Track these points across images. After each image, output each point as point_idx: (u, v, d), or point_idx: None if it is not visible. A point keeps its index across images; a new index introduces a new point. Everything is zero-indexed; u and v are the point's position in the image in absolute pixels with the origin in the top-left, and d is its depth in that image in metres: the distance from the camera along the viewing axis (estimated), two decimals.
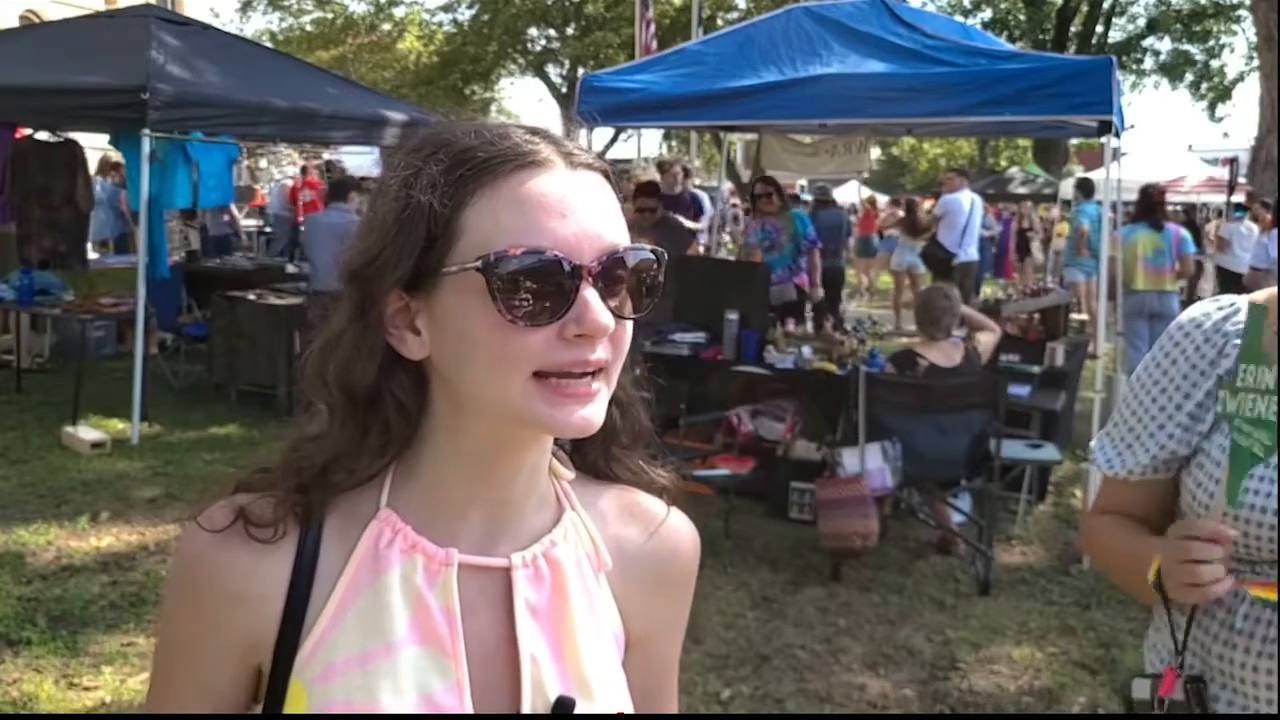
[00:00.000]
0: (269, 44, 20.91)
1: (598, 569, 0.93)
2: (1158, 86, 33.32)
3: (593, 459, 0.96)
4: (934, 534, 5.09)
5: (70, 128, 8.02)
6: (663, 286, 0.84)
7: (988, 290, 13.09)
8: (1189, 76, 26.34)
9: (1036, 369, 6.14)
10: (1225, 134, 33.32)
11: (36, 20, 20.42)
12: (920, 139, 22.03)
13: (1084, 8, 24.36)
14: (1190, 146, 25.40)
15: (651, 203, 7.54)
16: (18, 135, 7.87)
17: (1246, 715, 1.33)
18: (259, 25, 33.99)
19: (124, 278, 7.87)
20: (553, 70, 25.64)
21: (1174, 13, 25.07)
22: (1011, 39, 22.13)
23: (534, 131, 0.83)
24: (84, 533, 4.86)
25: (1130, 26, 26.32)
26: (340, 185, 8.02)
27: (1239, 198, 12.33)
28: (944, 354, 5.00)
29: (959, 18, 20.15)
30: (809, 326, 6.64)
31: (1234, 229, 11.25)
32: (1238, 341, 1.39)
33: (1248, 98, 33.68)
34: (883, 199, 20.28)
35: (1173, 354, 1.44)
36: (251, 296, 7.64)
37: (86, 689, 3.49)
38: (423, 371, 0.85)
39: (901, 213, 13.98)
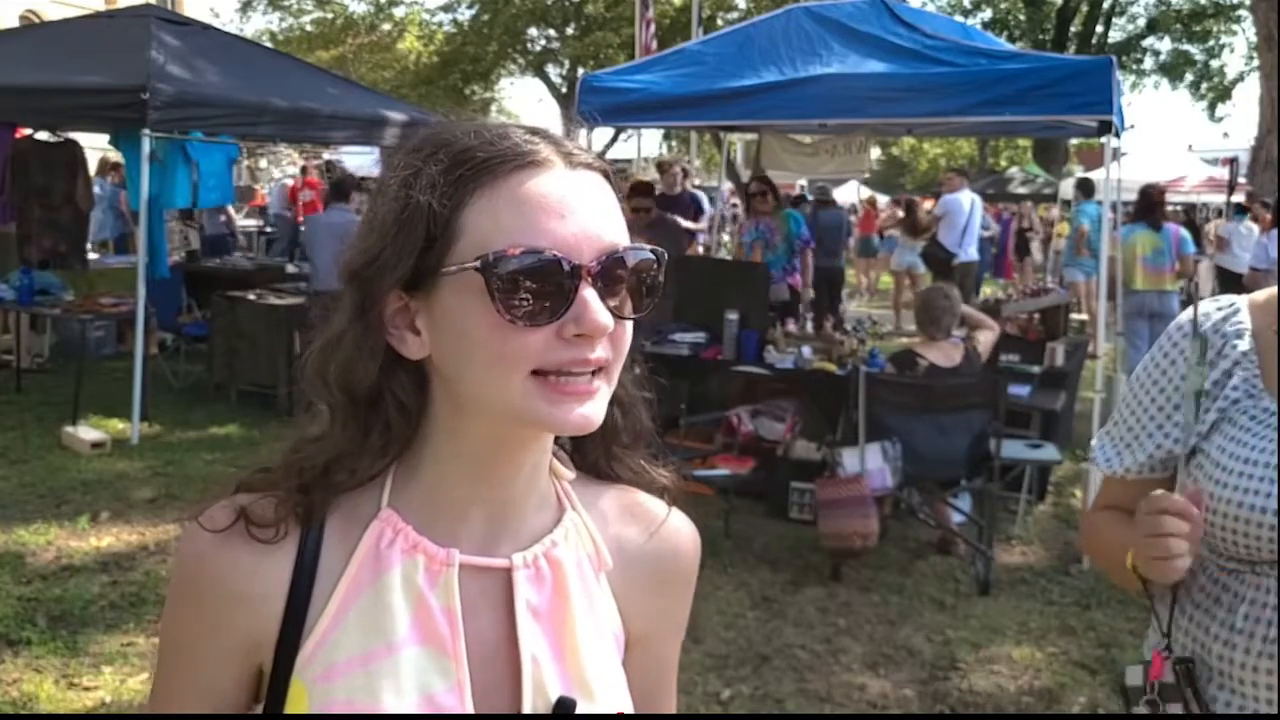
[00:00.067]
0: (269, 44, 20.91)
1: (598, 569, 0.93)
2: (1158, 86, 33.37)
3: (594, 459, 0.96)
4: (934, 534, 5.09)
5: (70, 128, 8.02)
6: (663, 286, 0.84)
7: (988, 290, 13.10)
8: (1189, 76, 26.34)
9: (1036, 369, 6.14)
10: (1225, 134, 33.35)
11: (36, 20, 20.42)
12: (920, 139, 22.03)
13: (1084, 8, 24.36)
14: (1190, 146, 25.40)
15: (646, 203, 7.55)
16: (18, 135, 7.87)
17: (1246, 715, 1.33)
18: (259, 25, 34.00)
19: (124, 278, 7.88)
20: (553, 70, 25.64)
21: (1174, 13, 25.07)
22: (1011, 39, 22.13)
23: (534, 131, 0.83)
24: (84, 533, 4.86)
25: (1130, 26, 26.35)
26: (341, 185, 8.02)
27: (1239, 198, 12.33)
28: (944, 354, 5.00)
29: (959, 18, 20.16)
30: (809, 326, 6.63)
31: (1233, 229, 11.25)
32: (1237, 341, 1.39)
33: (1248, 98, 33.72)
34: (883, 199, 20.29)
35: (1172, 354, 1.44)
36: (251, 296, 7.65)
37: (86, 689, 3.49)
38: (423, 371, 0.85)
39: (901, 213, 13.98)
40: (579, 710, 0.87)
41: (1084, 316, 10.97)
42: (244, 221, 15.22)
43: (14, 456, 6.01)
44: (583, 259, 0.78)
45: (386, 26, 26.89)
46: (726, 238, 12.49)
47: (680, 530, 0.98)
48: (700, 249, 9.59)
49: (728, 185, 12.49)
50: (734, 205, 14.29)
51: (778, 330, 6.18)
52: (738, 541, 5.03)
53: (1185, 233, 8.62)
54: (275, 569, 0.85)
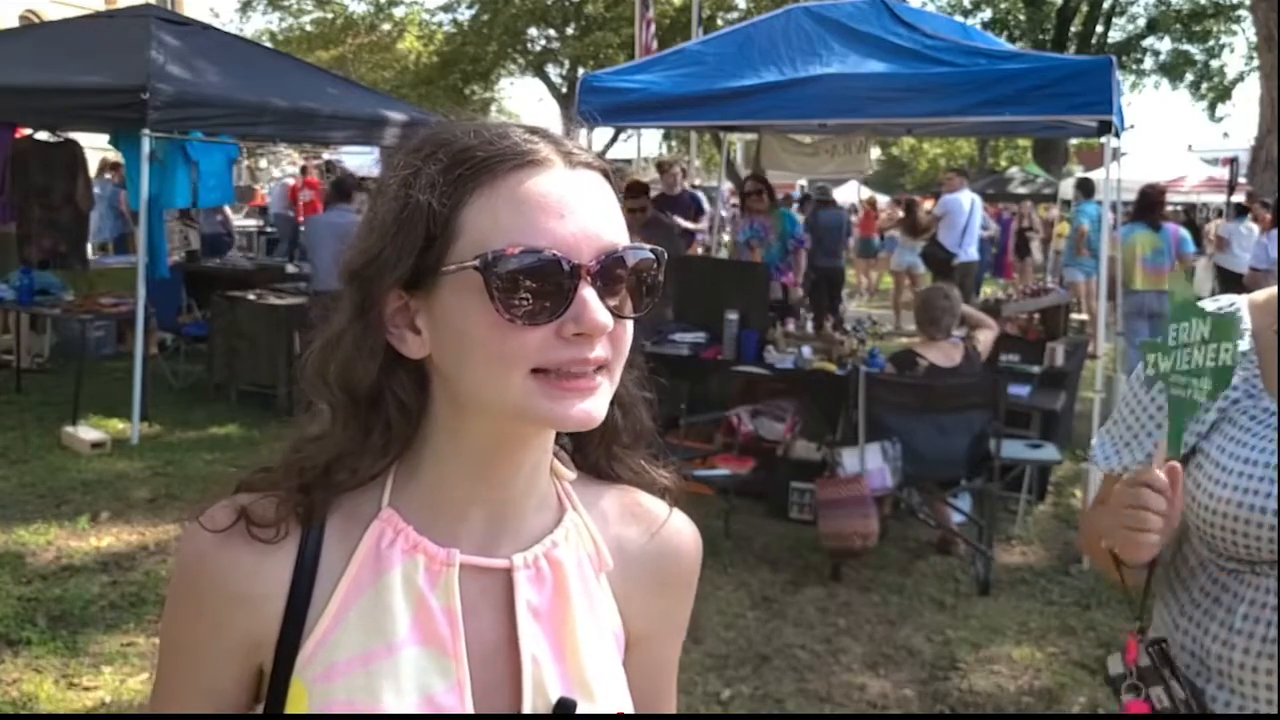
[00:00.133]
0: (269, 44, 20.91)
1: (599, 569, 0.93)
2: (1158, 86, 33.35)
3: (594, 459, 0.96)
4: (934, 534, 5.09)
5: (70, 128, 8.02)
6: (663, 286, 0.84)
7: (988, 290, 13.10)
8: (1189, 76, 26.34)
9: (1036, 369, 6.14)
10: (1225, 134, 33.37)
11: (36, 20, 20.42)
12: (920, 139, 22.03)
13: (1084, 8, 24.36)
14: (1190, 146, 25.40)
15: (641, 203, 7.56)
16: (18, 135, 7.87)
17: (1246, 715, 1.33)
18: (259, 25, 34.00)
19: (124, 278, 7.88)
20: (553, 70, 25.64)
21: (1174, 13, 25.06)
22: (1011, 39, 22.12)
23: (533, 131, 0.83)
24: (84, 533, 4.86)
25: (1130, 26, 26.34)
26: (343, 185, 8.02)
27: (1239, 198, 12.33)
28: (944, 354, 5.00)
29: (959, 18, 20.14)
30: (809, 326, 6.64)
31: (1233, 228, 11.25)
32: (1237, 341, 1.39)
33: (1248, 98, 33.73)
34: (883, 199, 20.29)
35: None
36: (251, 296, 7.65)
37: (86, 689, 3.49)
38: (423, 371, 0.85)
39: (901, 213, 13.98)
40: (579, 710, 0.87)
41: (1084, 316, 10.97)
42: (244, 221, 15.22)
43: (14, 456, 6.01)
44: (582, 258, 0.78)
45: (386, 26, 26.89)
46: (726, 237, 12.49)
47: (681, 531, 0.98)
48: (700, 249, 9.60)
49: (728, 185, 12.51)
50: (734, 205, 14.28)
51: (778, 330, 6.18)
52: (738, 541, 5.03)
53: (1185, 233, 8.63)
54: (276, 569, 0.85)
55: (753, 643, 3.98)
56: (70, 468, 5.84)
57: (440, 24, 26.48)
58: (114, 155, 10.17)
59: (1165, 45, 26.24)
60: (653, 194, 9.96)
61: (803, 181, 18.59)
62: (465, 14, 25.25)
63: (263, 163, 21.82)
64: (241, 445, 6.45)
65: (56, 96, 6.73)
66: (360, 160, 15.64)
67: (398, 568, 0.85)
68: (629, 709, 0.92)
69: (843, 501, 4.52)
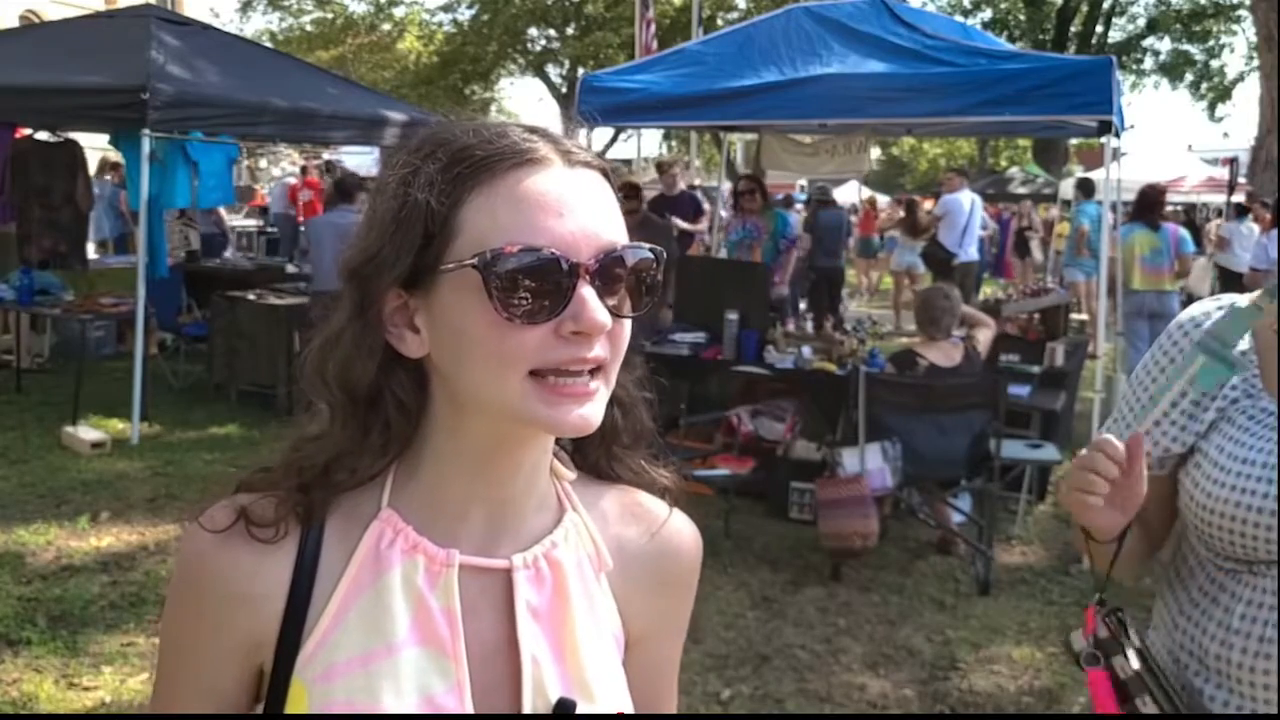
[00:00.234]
0: (269, 44, 20.92)
1: (598, 570, 0.92)
2: (1158, 86, 33.35)
3: (594, 459, 0.96)
4: (934, 534, 5.09)
5: (70, 128, 8.01)
6: (662, 286, 0.84)
7: (988, 290, 13.10)
8: (1189, 76, 26.34)
9: (1036, 369, 6.13)
10: (1225, 134, 33.36)
11: (36, 20, 20.42)
12: (920, 139, 22.04)
13: (1084, 8, 24.36)
14: (1190, 146, 25.41)
15: (633, 204, 7.57)
16: (18, 135, 7.87)
17: (1246, 715, 1.33)
18: (259, 25, 34.00)
19: (124, 278, 7.87)
20: (553, 70, 25.65)
21: (1174, 13, 25.06)
22: (1011, 39, 22.12)
23: (532, 130, 0.83)
24: (84, 533, 4.86)
25: (1130, 26, 26.34)
26: (344, 185, 8.02)
27: (1239, 198, 12.33)
28: (944, 354, 5.00)
29: (959, 18, 20.14)
30: (809, 326, 6.64)
31: (1234, 228, 11.25)
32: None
33: (1248, 98, 33.70)
34: (883, 199, 20.29)
35: (1171, 352, 1.44)
36: (251, 296, 7.65)
37: (86, 689, 3.49)
38: (422, 370, 0.85)
39: (902, 213, 13.98)
40: (579, 710, 0.87)
41: (1084, 316, 10.97)
42: (244, 222, 15.22)
43: (14, 456, 6.01)
44: (581, 257, 0.78)
45: (386, 26, 26.91)
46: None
47: (681, 531, 0.98)
48: (701, 249, 9.60)
49: (727, 185, 12.52)
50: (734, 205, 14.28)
51: (778, 330, 6.18)
52: (738, 541, 5.03)
53: (1184, 232, 8.62)
54: (276, 569, 0.85)
55: (753, 643, 3.98)
56: (70, 468, 5.84)
57: (440, 24, 26.52)
58: (114, 155, 10.18)
59: (1165, 45, 26.27)
60: (653, 194, 9.98)
61: (803, 181, 18.60)
62: (465, 14, 25.28)
63: (263, 163, 21.82)
64: (241, 445, 6.45)
65: (56, 96, 6.73)
66: (360, 160, 15.64)
67: (397, 568, 0.85)
68: (629, 709, 0.92)
69: (843, 501, 4.52)
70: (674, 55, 6.51)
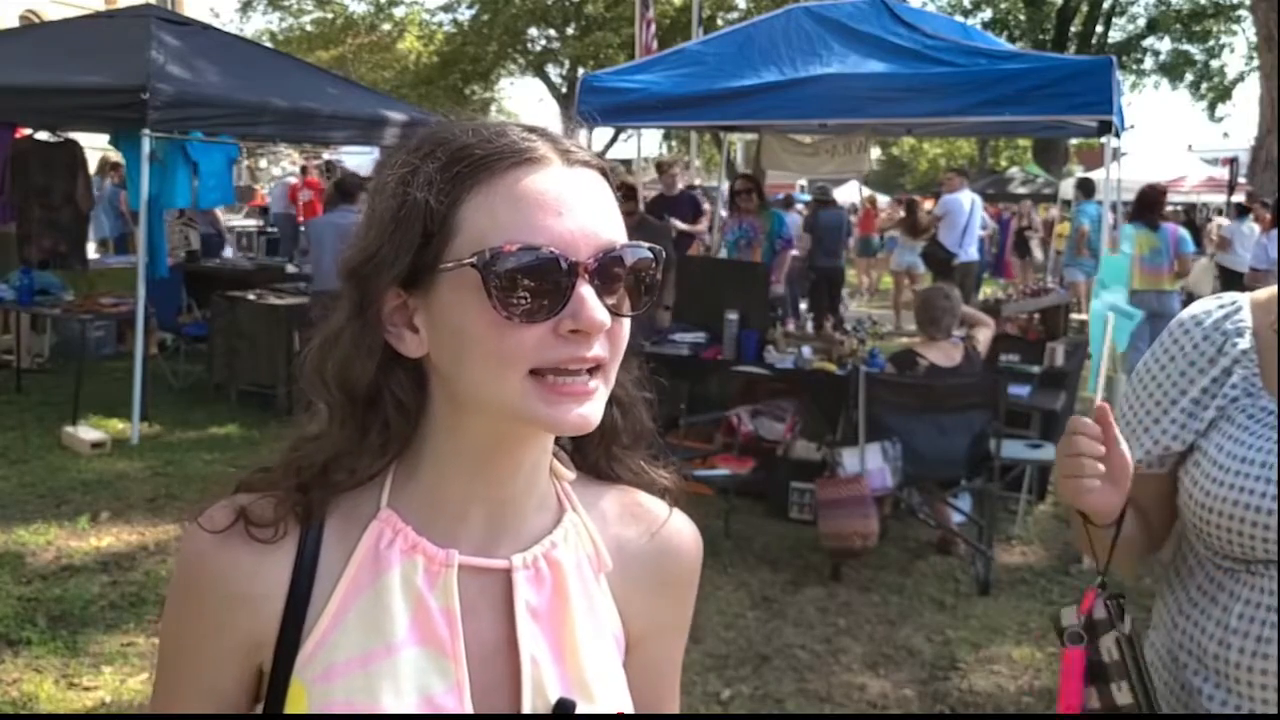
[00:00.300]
0: (269, 44, 20.92)
1: (598, 570, 0.92)
2: (1158, 86, 33.37)
3: (594, 459, 0.96)
4: (934, 534, 5.09)
5: (70, 128, 8.01)
6: (660, 285, 0.84)
7: (988, 290, 13.10)
8: (1189, 76, 26.35)
9: (1036, 369, 6.13)
10: (1225, 134, 33.37)
11: (36, 20, 20.43)
12: (920, 139, 22.05)
13: (1084, 8, 24.36)
14: (1190, 146, 25.43)
15: (630, 205, 7.57)
16: (18, 135, 7.87)
17: (1245, 715, 1.33)
18: (259, 25, 34.02)
19: (124, 278, 7.87)
20: (553, 70, 25.65)
21: (1174, 13, 25.07)
22: (1011, 39, 22.13)
23: (531, 129, 0.83)
24: (84, 533, 4.86)
25: (1130, 26, 26.36)
26: (345, 186, 8.02)
27: (1239, 198, 12.33)
28: (944, 354, 5.00)
29: (959, 18, 20.14)
30: (809, 326, 6.64)
31: (1236, 228, 11.25)
32: (1237, 339, 1.39)
33: (1248, 98, 33.73)
34: (883, 199, 20.29)
35: (1171, 350, 1.44)
36: (251, 296, 7.64)
37: (86, 689, 3.49)
38: (422, 370, 0.85)
39: (902, 213, 13.98)
40: (578, 711, 0.86)
41: (1084, 316, 10.96)
42: (244, 222, 15.22)
43: (14, 456, 6.01)
44: (580, 256, 0.78)
45: (386, 26, 26.92)
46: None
47: (681, 531, 0.98)
48: (701, 249, 9.60)
49: (727, 185, 12.52)
50: None
51: (778, 330, 6.18)
52: (738, 541, 5.03)
53: (1184, 232, 8.61)
54: (275, 569, 0.85)
55: (753, 643, 3.98)
56: (70, 468, 5.84)
57: (440, 24, 26.53)
58: (114, 155, 10.18)
59: (1165, 45, 26.29)
60: (653, 194, 9.98)
61: (803, 181, 18.60)
62: (465, 14, 25.29)
63: (263, 163, 21.83)
64: (241, 445, 6.45)
65: (56, 96, 6.73)
66: (360, 160, 15.62)
67: (396, 568, 0.85)
68: (629, 710, 0.92)
69: (843, 501, 4.52)
70: (674, 55, 6.52)
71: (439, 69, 24.96)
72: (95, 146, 8.99)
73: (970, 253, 11.24)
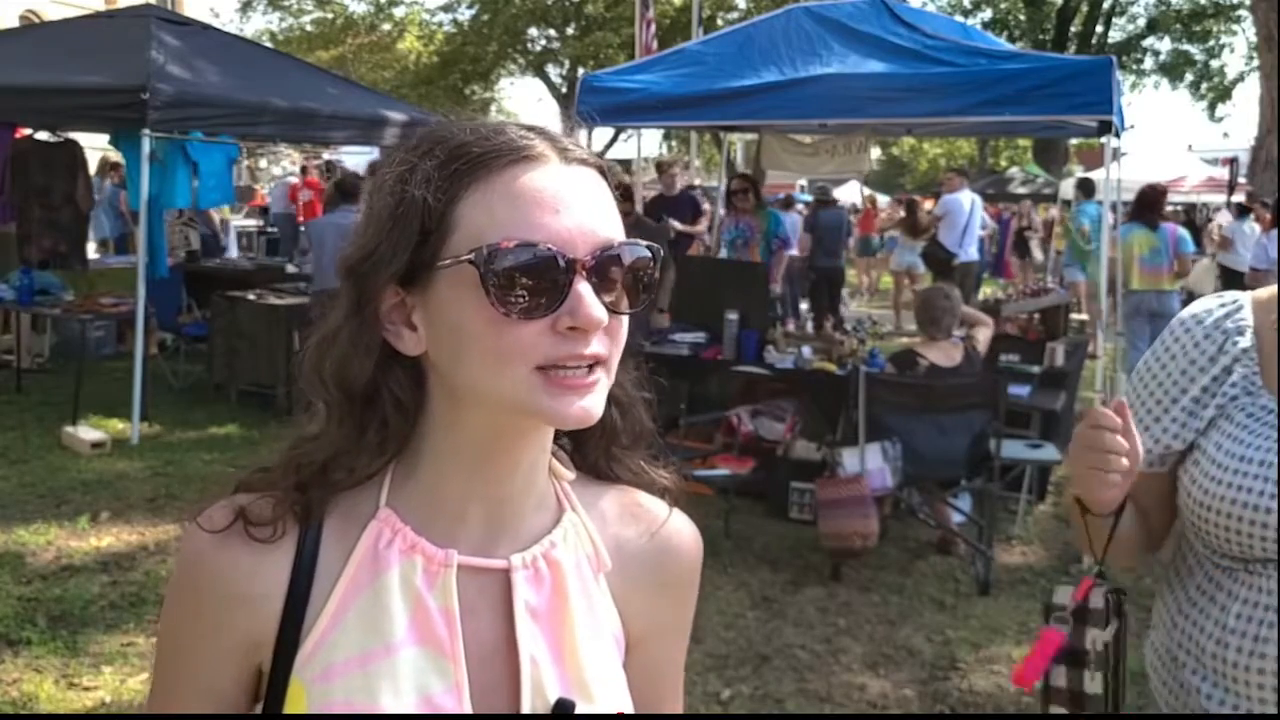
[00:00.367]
0: (269, 44, 20.92)
1: (597, 570, 0.92)
2: (1158, 86, 33.38)
3: (593, 459, 0.95)
4: (934, 534, 5.09)
5: (70, 128, 8.01)
6: (658, 284, 0.84)
7: (988, 290, 13.10)
8: (1189, 76, 26.35)
9: (1036, 369, 6.13)
10: (1225, 134, 33.39)
11: (36, 20, 20.42)
12: (920, 139, 22.05)
13: (1084, 8, 24.37)
14: (1190, 146, 25.44)
15: (626, 206, 7.55)
16: (18, 135, 7.87)
17: (1245, 715, 1.33)
18: (259, 25, 34.02)
19: (124, 278, 7.88)
20: (553, 70, 25.66)
21: (1174, 13, 25.08)
22: (1011, 39, 22.14)
23: (529, 128, 0.84)
24: (84, 533, 4.86)
25: (1130, 26, 26.36)
26: (344, 186, 8.02)
27: (1239, 198, 12.32)
28: (944, 354, 5.00)
29: (959, 18, 20.15)
30: (809, 326, 6.64)
31: (1237, 228, 11.24)
32: (1238, 338, 1.39)
33: (1248, 98, 33.73)
34: (883, 199, 20.30)
35: (1173, 349, 1.44)
36: (251, 296, 7.64)
37: (86, 689, 3.49)
38: (419, 368, 0.85)
39: (902, 213, 13.98)
40: (578, 711, 0.86)
41: (1084, 316, 10.97)
42: (244, 221, 15.22)
43: (14, 456, 6.01)
44: (577, 253, 0.78)
45: (386, 26, 26.92)
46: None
47: (681, 531, 0.98)
48: (701, 249, 9.59)
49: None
50: None
51: (778, 330, 6.18)
52: (738, 541, 5.03)
53: (1183, 232, 8.62)
54: (274, 569, 0.84)
55: (753, 643, 3.98)
56: (70, 468, 5.84)
57: (440, 24, 26.54)
58: (114, 155, 10.18)
59: (1165, 45, 26.30)
60: (653, 195, 9.98)
61: (803, 181, 18.60)
62: (465, 14, 25.31)
63: (263, 163, 21.84)
64: (241, 445, 6.45)
65: (56, 96, 6.73)
66: (360, 160, 15.62)
67: (395, 568, 0.85)
68: (629, 710, 0.92)
69: (843, 501, 4.52)
70: (674, 55, 6.52)
71: (439, 69, 24.97)
72: (95, 146, 8.99)
73: (970, 253, 11.24)
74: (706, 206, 9.69)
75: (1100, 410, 1.27)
